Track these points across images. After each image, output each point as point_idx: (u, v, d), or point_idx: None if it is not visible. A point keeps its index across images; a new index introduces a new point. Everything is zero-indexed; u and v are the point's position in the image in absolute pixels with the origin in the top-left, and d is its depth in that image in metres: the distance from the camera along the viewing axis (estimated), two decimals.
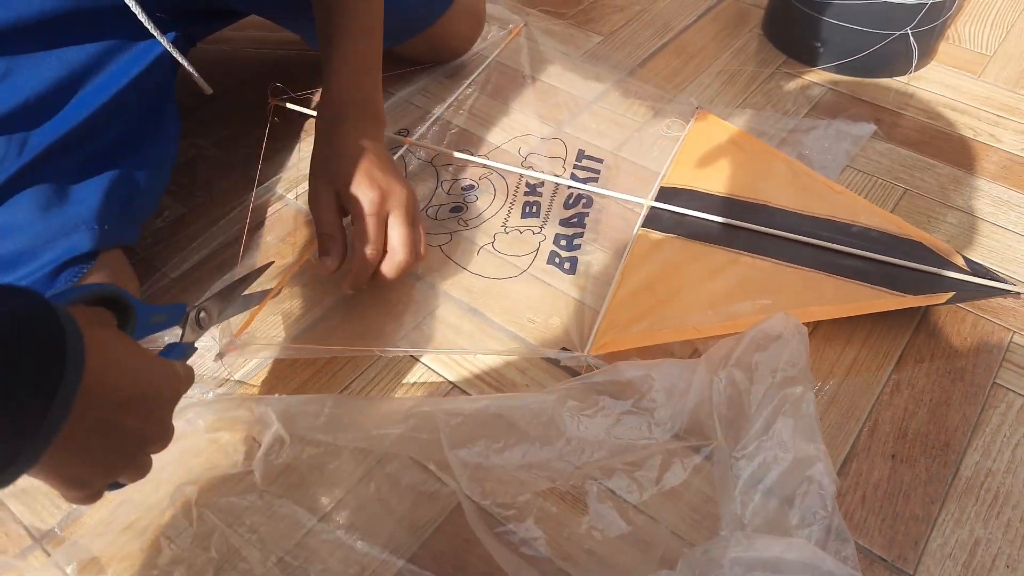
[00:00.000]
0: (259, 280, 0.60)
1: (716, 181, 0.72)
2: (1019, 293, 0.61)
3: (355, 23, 0.66)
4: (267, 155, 0.78)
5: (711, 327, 0.59)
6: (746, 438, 0.43)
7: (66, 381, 0.31)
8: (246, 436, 0.55)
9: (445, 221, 0.73)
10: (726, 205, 0.70)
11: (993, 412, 0.57)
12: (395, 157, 0.79)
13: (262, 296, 0.62)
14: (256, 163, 0.75)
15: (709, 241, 0.67)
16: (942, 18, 0.86)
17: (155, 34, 0.65)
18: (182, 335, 0.49)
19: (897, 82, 0.89)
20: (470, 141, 0.81)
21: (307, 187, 0.62)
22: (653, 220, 0.70)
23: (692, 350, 0.60)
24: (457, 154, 0.78)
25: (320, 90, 0.69)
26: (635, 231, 0.69)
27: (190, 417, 0.53)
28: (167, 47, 0.67)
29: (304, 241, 0.70)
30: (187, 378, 0.44)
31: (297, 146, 0.81)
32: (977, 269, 0.62)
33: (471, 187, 0.77)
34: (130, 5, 0.62)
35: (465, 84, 0.89)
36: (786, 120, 0.82)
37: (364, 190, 0.58)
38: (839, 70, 0.89)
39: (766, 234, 0.66)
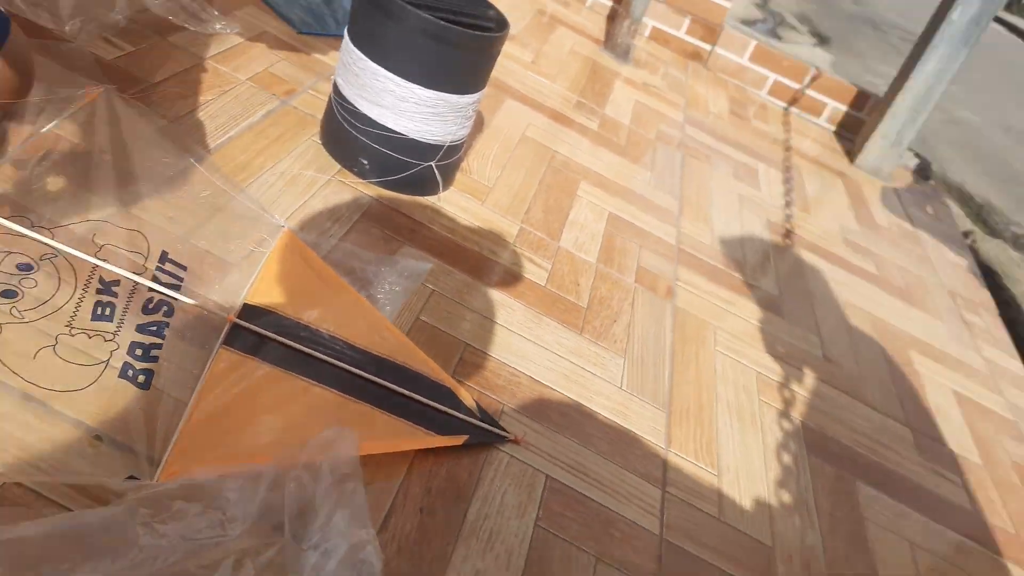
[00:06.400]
0: None
1: (297, 307, 0.79)
2: (515, 439, 0.80)
3: None
4: None
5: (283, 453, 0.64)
6: (311, 531, 0.52)
7: None
8: None
9: None
10: (304, 333, 0.77)
11: (490, 468, 0.76)
12: None
13: None
14: None
15: (286, 367, 0.72)
16: (456, 156, 1.11)
17: None
18: None
19: (428, 200, 1.11)
20: (29, 213, 0.73)
21: None
22: (234, 338, 0.73)
23: None
24: (11, 224, 0.66)
25: None
26: (215, 349, 0.71)
27: None
28: None
29: None
30: None
31: None
32: (485, 418, 0.79)
33: (28, 267, 0.68)
34: None
35: (20, 144, 0.80)
36: (361, 252, 0.93)
37: None
38: (383, 185, 1.07)
39: (337, 367, 0.75)
